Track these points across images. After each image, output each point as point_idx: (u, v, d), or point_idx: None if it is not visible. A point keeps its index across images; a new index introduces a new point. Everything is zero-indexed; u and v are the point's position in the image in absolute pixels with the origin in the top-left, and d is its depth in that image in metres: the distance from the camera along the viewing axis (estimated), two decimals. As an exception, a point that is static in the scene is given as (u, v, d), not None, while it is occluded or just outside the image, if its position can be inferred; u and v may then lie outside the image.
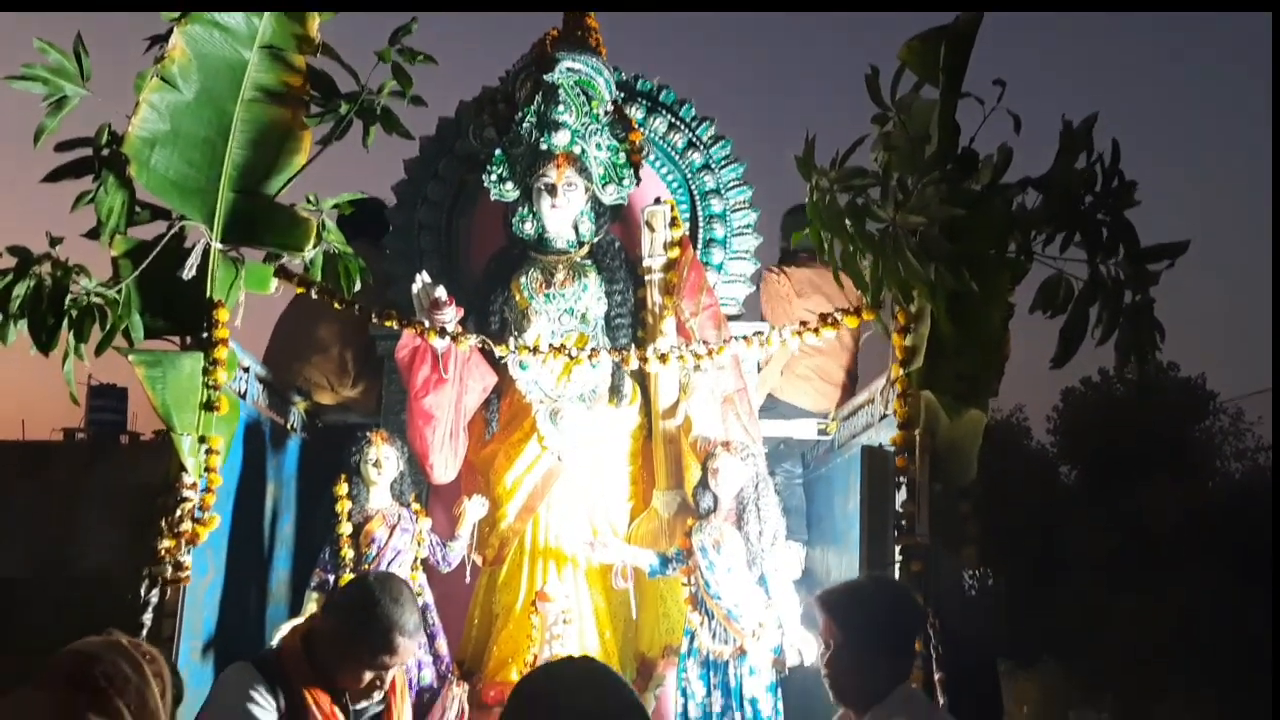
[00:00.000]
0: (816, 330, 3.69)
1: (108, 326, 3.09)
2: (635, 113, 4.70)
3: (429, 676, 4.03)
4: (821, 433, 4.78)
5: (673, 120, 4.75)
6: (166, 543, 3.25)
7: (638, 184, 4.52)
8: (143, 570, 3.29)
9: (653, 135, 4.73)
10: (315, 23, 3.44)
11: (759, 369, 4.69)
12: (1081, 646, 15.22)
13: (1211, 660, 13.91)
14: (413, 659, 3.94)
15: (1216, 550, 15.99)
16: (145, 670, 1.88)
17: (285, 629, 3.03)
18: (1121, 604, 15.42)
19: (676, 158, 4.77)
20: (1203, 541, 16.28)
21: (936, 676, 3.18)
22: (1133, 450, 18.23)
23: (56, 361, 3.11)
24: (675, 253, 4.39)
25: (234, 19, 3.32)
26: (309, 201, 3.59)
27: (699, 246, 4.68)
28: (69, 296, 3.01)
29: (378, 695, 2.55)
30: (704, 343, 3.99)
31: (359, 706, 2.56)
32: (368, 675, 2.48)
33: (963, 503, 3.39)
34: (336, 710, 2.45)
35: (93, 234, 3.30)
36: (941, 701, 3.15)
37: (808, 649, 3.67)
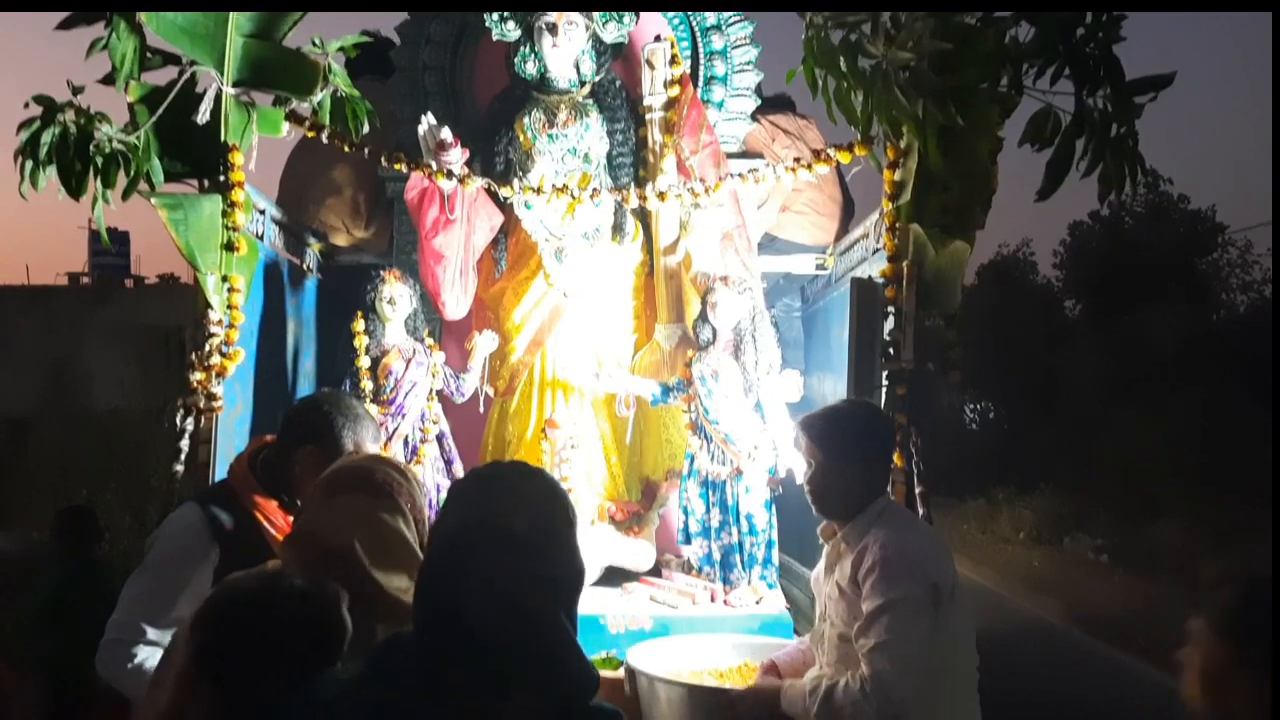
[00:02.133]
0: (809, 166, 3.79)
1: (132, 172, 3.23)
2: (636, -52, 4.65)
3: (447, 498, 4.31)
4: (819, 267, 4.92)
5: (674, -45, 4.70)
6: (198, 375, 3.45)
7: (638, 21, 4.53)
8: (176, 401, 3.51)
9: (654, -30, 4.69)
10: None
11: (758, 208, 4.79)
12: (1078, 472, 15.59)
13: (1206, 481, 14.19)
14: (431, 482, 4.24)
15: (1217, 377, 16.20)
16: (410, 474, 2.11)
17: None
18: (1119, 429, 15.71)
19: (677, -7, 4.74)
20: (1203, 369, 16.49)
21: (918, 490, 3.43)
22: (1138, 282, 18.31)
23: (57, 206, 3.24)
24: (676, 91, 4.44)
25: None
26: (315, 45, 3.66)
27: (700, 84, 4.71)
28: (92, 143, 3.13)
29: None
30: (702, 180, 4.10)
31: None
32: None
33: (948, 330, 3.56)
34: (290, 518, 2.50)
35: (108, 80, 3.38)
36: (922, 513, 3.41)
37: (798, 468, 3.91)
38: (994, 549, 14.33)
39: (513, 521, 1.53)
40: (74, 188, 3.13)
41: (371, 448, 2.63)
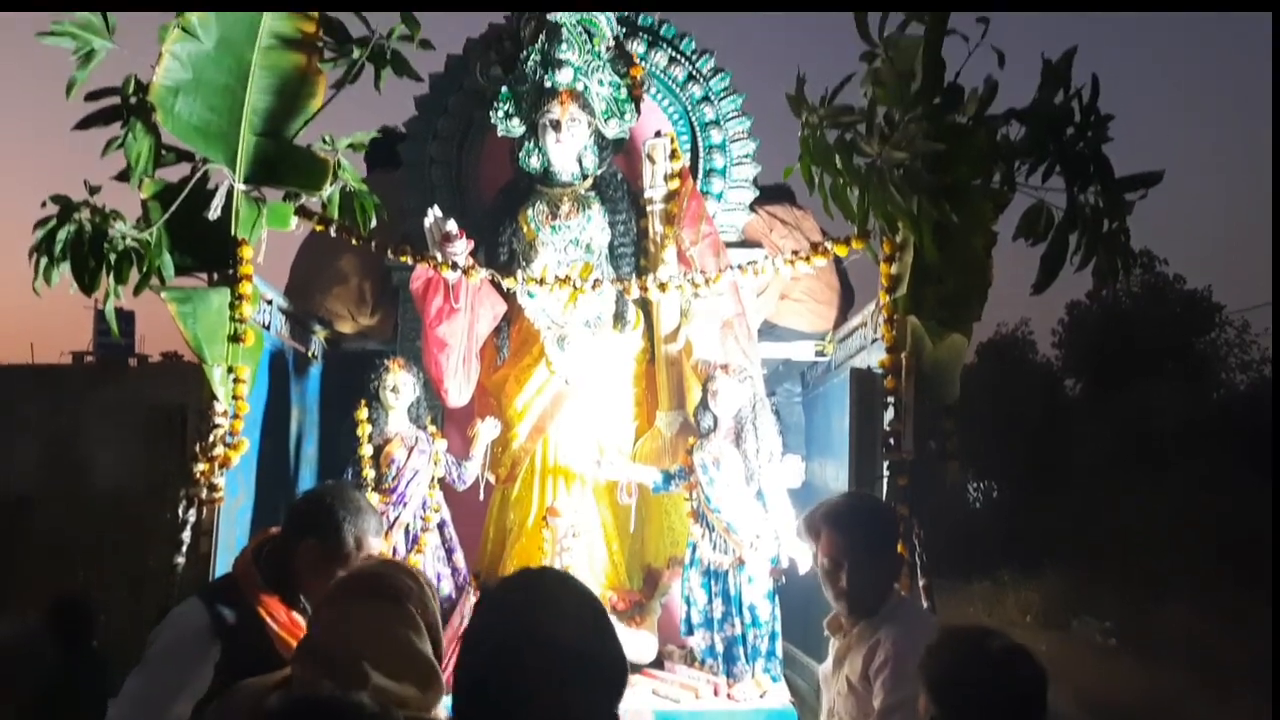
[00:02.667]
0: (808, 258, 3.87)
1: (144, 268, 3.30)
2: (636, 47, 4.80)
3: (447, 588, 4.31)
4: (819, 354, 4.98)
5: (673, 54, 4.85)
6: (201, 466, 3.48)
7: (639, 118, 4.65)
8: (179, 492, 3.53)
9: (654, 69, 4.84)
10: (327, -30, 3.58)
11: (757, 295, 4.86)
12: (1084, 554, 15.46)
13: (1214, 563, 14.08)
14: (431, 571, 4.23)
15: (1217, 454, 16.15)
16: (422, 579, 2.10)
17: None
18: (1122, 508, 15.63)
19: (677, 90, 4.88)
20: (1204, 447, 16.46)
21: (921, 583, 3.43)
22: (1136, 361, 18.40)
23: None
24: (676, 183, 4.54)
25: (249, -31, 3.46)
26: (325, 142, 3.76)
27: (700, 176, 4.83)
28: (106, 241, 3.20)
29: None
30: (702, 272, 4.17)
31: None
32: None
33: (946, 421, 3.60)
34: (295, 616, 2.52)
35: (122, 177, 3.48)
36: (926, 605, 3.41)
37: (801, 559, 3.91)
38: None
39: (560, 634, 1.53)
40: (87, 284, 3.21)
41: (374, 541, 2.65)
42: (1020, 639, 2.18)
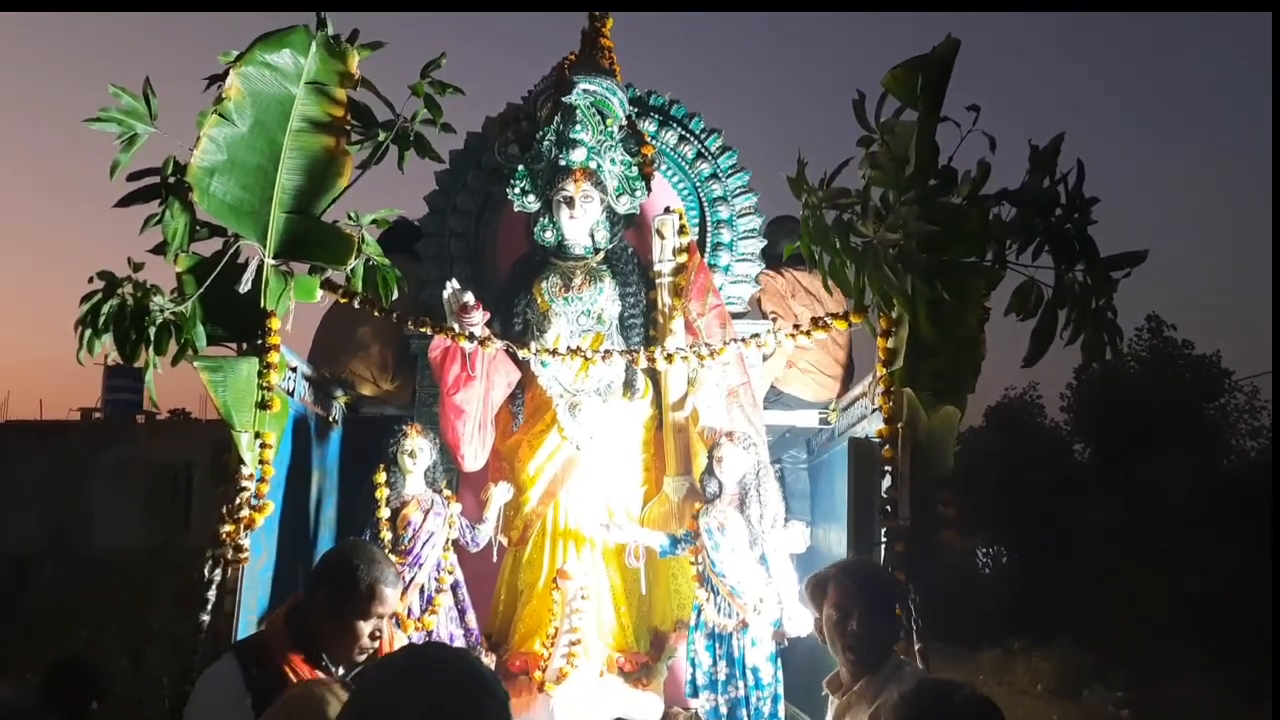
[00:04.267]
0: (808, 333, 4.04)
1: (181, 339, 3.49)
2: (648, 126, 5.03)
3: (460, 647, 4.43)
4: (823, 422, 5.12)
5: (683, 133, 5.09)
6: (227, 528, 3.64)
7: (649, 194, 4.86)
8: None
9: (663, 147, 5.06)
10: (355, 59, 3.79)
11: (764, 359, 5.02)
12: (1096, 623, 15.32)
13: (1228, 635, 13.93)
14: (445, 631, 4.35)
15: (1230, 525, 16.06)
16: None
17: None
18: (1135, 579, 15.50)
19: (686, 167, 5.11)
20: (1217, 516, 16.37)
21: (917, 647, 3.54)
22: (1145, 427, 18.37)
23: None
24: (684, 257, 4.73)
25: (283, 58, 3.68)
26: (350, 218, 3.96)
27: (707, 249, 5.02)
28: (146, 315, 3.40)
29: (373, 646, 2.77)
30: (707, 344, 4.34)
31: (359, 660, 2.79)
32: (365, 628, 2.73)
33: (943, 491, 3.72)
34: (318, 673, 2.61)
35: (158, 249, 3.69)
36: (921, 668, 3.51)
37: (803, 622, 4.02)
38: (1012, 701, 13.96)
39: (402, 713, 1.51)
40: (128, 354, 3.40)
41: (389, 592, 2.78)
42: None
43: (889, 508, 3.69)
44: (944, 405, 3.58)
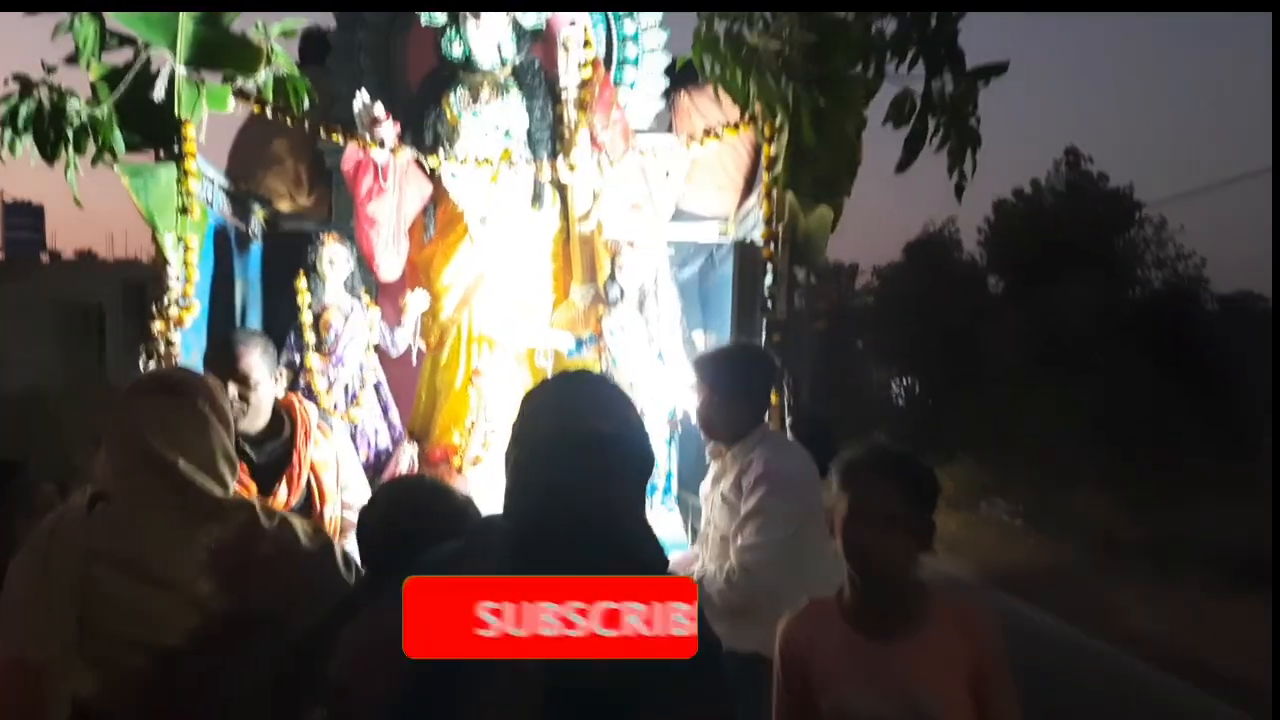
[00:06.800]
0: (701, 141, 4.30)
1: (99, 143, 3.64)
2: (554, -61, 5.07)
3: (385, 441, 4.78)
4: (722, 234, 5.42)
5: (591, -54, 5.14)
6: (158, 325, 3.89)
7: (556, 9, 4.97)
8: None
9: (569, -40, 5.12)
10: None
11: (666, 175, 5.26)
12: (999, 443, 16.11)
13: (1124, 448, 14.62)
14: (370, 425, 4.70)
15: (1132, 350, 16.82)
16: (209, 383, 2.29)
17: None
18: (1038, 400, 16.27)
19: (592, -18, 5.18)
20: (1119, 343, 17.15)
21: (788, 422, 3.95)
22: (1058, 259, 19.02)
23: None
24: (588, 72, 4.90)
25: None
26: (257, 29, 4.07)
27: (613, 66, 5.18)
28: (63, 116, 3.54)
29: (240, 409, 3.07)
30: (607, 155, 4.57)
31: (264, 448, 3.16)
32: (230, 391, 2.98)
33: (818, 284, 4.09)
34: None
35: (72, 60, 3.79)
36: (791, 440, 3.92)
37: (693, 409, 4.41)
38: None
39: (601, 424, 1.67)
40: (49, 154, 3.55)
41: (241, 350, 3.15)
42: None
43: (769, 303, 4.04)
44: (818, 206, 3.88)
